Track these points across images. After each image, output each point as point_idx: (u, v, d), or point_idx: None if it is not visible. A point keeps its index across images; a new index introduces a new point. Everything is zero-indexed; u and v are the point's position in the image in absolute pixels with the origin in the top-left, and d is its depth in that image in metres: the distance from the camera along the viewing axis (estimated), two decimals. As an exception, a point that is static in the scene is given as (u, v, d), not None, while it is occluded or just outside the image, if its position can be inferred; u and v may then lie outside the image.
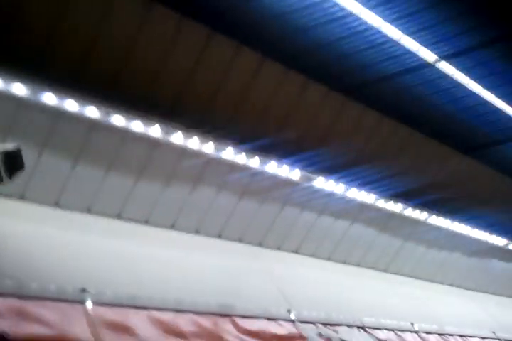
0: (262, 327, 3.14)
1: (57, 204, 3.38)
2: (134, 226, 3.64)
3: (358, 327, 3.77)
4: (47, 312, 2.34)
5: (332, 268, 4.82)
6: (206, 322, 2.89)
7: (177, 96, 3.81)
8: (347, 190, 4.87)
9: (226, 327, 2.95)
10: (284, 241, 4.65)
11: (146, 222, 3.78)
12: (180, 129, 3.74)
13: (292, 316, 3.44)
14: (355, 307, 4.08)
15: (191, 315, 2.88)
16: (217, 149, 4.00)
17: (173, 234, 3.86)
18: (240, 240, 4.37)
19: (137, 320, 2.58)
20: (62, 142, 3.32)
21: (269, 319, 3.27)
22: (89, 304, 2.50)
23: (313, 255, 4.83)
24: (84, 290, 2.57)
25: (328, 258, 4.96)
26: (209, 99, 3.93)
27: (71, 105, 3.29)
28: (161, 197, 3.84)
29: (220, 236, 4.24)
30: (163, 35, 3.51)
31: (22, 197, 3.25)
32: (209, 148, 3.95)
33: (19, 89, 3.10)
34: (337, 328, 3.58)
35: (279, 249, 4.62)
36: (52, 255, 2.81)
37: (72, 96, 3.26)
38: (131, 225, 3.63)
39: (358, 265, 5.19)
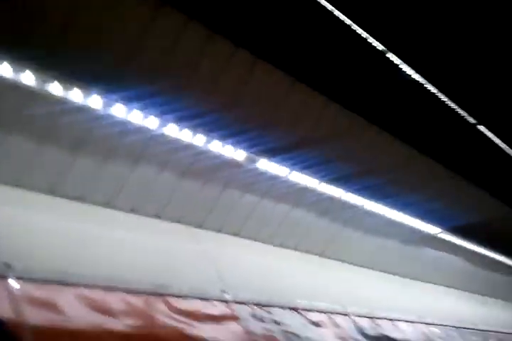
0: (195, 307, 3.12)
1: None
2: (68, 202, 3.50)
3: (291, 309, 3.81)
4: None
5: (270, 252, 4.85)
6: (138, 301, 2.83)
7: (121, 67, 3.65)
8: (290, 173, 4.89)
9: (158, 306, 2.90)
10: (224, 224, 4.63)
11: (81, 199, 3.65)
12: (121, 102, 3.60)
13: (226, 297, 3.43)
14: (289, 289, 4.13)
15: (122, 294, 2.81)
16: (160, 125, 3.89)
17: (109, 212, 3.75)
18: (180, 221, 4.31)
19: (65, 298, 2.49)
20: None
21: (202, 299, 3.25)
22: (12, 279, 2.38)
23: (252, 238, 4.84)
24: (7, 265, 2.45)
25: (268, 242, 4.98)
26: (152, 70, 3.77)
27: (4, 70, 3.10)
28: (98, 173, 3.71)
29: (158, 216, 4.16)
30: None
31: None
32: (152, 123, 3.84)
33: None
34: (270, 309, 3.61)
35: (219, 231, 4.59)
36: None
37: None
38: (65, 201, 3.49)
39: (295, 249, 5.25)
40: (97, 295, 2.67)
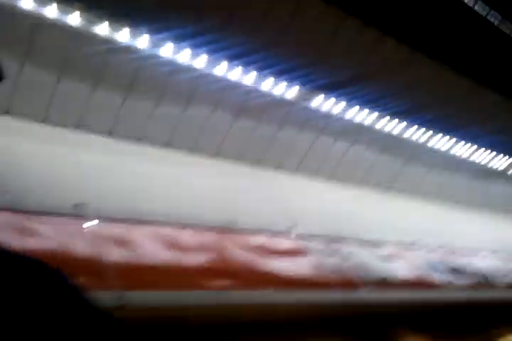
0: (265, 242, 3.07)
1: (45, 121, 3.19)
2: (127, 144, 3.47)
3: (362, 243, 3.73)
4: (46, 227, 2.24)
5: (333, 188, 4.74)
6: (209, 236, 2.81)
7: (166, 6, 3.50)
8: (346, 109, 4.69)
9: (229, 242, 2.87)
10: (283, 162, 4.53)
11: (139, 140, 3.61)
12: (170, 41, 3.47)
13: (295, 232, 3.37)
14: (358, 223, 4.03)
15: (193, 231, 2.79)
16: (210, 64, 3.75)
17: (168, 153, 3.71)
18: (239, 159, 4.23)
19: (139, 235, 2.49)
20: (45, 53, 3.07)
21: (272, 234, 3.20)
22: (89, 218, 2.39)
23: (313, 175, 4.73)
24: (84, 205, 2.45)
25: (329, 178, 4.87)
26: (197, 7, 3.60)
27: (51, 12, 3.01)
28: (154, 114, 3.65)
29: (217, 155, 4.09)
30: None
31: (7, 112, 3.05)
32: (201, 63, 3.71)
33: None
34: (340, 243, 3.53)
35: (278, 168, 4.50)
36: (48, 171, 2.67)
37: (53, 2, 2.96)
38: (127, 143, 3.46)
39: (361, 184, 5.11)
40: (171, 232, 2.66)
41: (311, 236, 3.43)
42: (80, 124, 3.30)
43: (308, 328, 2.67)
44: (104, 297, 1.86)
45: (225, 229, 2.97)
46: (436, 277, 3.80)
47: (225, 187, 3.58)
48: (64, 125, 3.19)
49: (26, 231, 2.15)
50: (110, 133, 3.43)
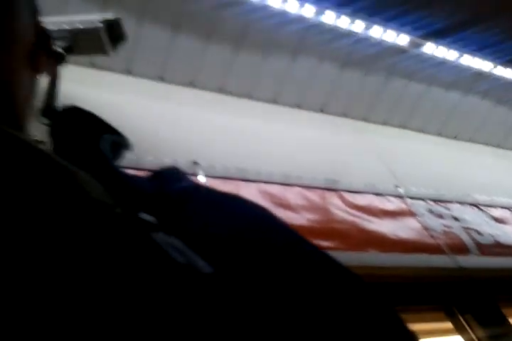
0: (369, 201, 3.05)
1: (161, 79, 3.32)
2: (237, 100, 3.52)
3: (471, 205, 3.59)
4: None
5: (442, 144, 4.54)
6: (314, 195, 2.84)
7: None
8: (460, 56, 4.37)
9: (333, 201, 2.88)
10: (390, 116, 4.38)
11: (249, 96, 3.65)
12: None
13: (401, 192, 3.31)
14: (468, 184, 3.86)
15: (299, 189, 2.84)
16: (317, 13, 3.63)
17: (274, 108, 3.72)
18: (344, 114, 4.16)
19: (248, 192, 2.58)
20: (160, 12, 3.12)
21: (377, 194, 3.17)
22: (201, 176, 2.51)
23: (421, 130, 4.55)
24: (196, 163, 2.57)
25: (439, 134, 4.66)
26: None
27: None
28: (260, 69, 3.64)
29: (322, 111, 4.04)
30: None
31: (129, 72, 3.21)
32: (309, 12, 3.60)
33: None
34: (448, 205, 3.43)
35: (385, 123, 4.37)
36: (163, 129, 2.80)
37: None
38: (235, 99, 3.52)
39: (471, 140, 4.85)
40: (277, 190, 2.72)
41: (419, 197, 3.36)
42: (193, 82, 3.40)
43: (413, 296, 2.68)
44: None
45: (330, 188, 2.98)
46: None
47: (330, 143, 3.57)
48: (178, 83, 3.30)
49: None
50: (220, 89, 3.50)
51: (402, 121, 4.45)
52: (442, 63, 4.35)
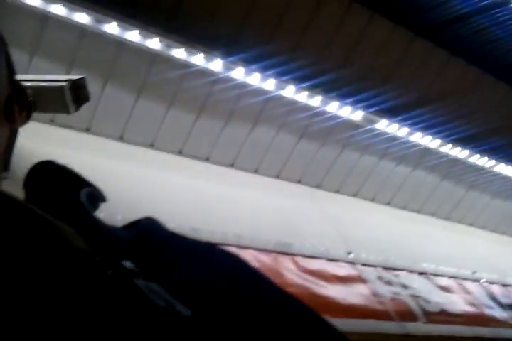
0: (322, 266, 3.11)
1: (121, 139, 3.41)
2: (195, 163, 3.62)
3: (420, 273, 3.68)
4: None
5: (392, 214, 4.71)
6: (267, 258, 2.88)
7: (238, 28, 3.64)
8: (410, 133, 4.66)
9: (286, 264, 2.92)
10: (343, 185, 4.55)
11: (207, 160, 3.76)
12: (241, 65, 3.60)
13: (352, 258, 3.39)
14: (416, 253, 3.99)
15: (252, 251, 2.87)
16: (277, 87, 3.86)
17: (233, 173, 3.83)
18: (299, 181, 4.30)
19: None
20: (126, 74, 3.27)
21: (328, 259, 3.23)
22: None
23: (372, 200, 4.73)
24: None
25: (388, 204, 4.84)
26: (270, 33, 3.73)
27: (133, 36, 3.22)
28: (221, 135, 3.79)
29: (278, 177, 4.18)
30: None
31: (88, 130, 3.28)
32: (269, 85, 3.82)
33: (82, 18, 3.04)
34: (397, 273, 3.51)
35: (337, 191, 4.53)
36: (121, 188, 2.83)
37: (134, 27, 3.17)
38: (193, 162, 3.62)
39: (419, 212, 5.05)
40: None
41: (369, 263, 3.44)
42: (153, 144, 3.50)
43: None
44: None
45: (283, 252, 3.03)
46: (495, 313, 3.69)
47: (285, 208, 3.66)
48: (138, 144, 3.39)
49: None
50: (179, 152, 3.60)
51: (355, 190, 4.63)
52: (393, 139, 4.63)
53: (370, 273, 3.31)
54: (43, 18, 2.90)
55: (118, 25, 3.14)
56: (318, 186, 4.41)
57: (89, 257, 0.49)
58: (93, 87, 3.04)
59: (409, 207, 5.00)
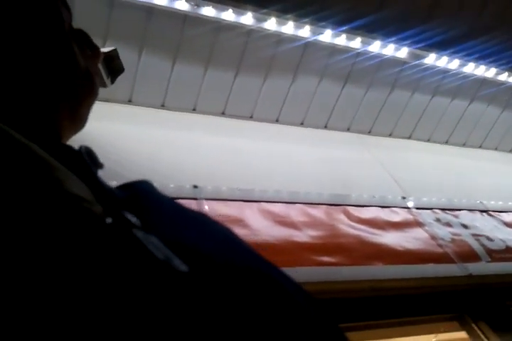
0: (375, 214, 3.07)
1: (163, 106, 3.45)
2: (238, 122, 3.62)
3: (481, 211, 3.57)
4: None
5: (450, 152, 4.54)
6: (318, 212, 2.88)
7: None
8: (463, 65, 4.39)
9: (338, 216, 2.92)
10: (395, 128, 4.41)
11: (250, 118, 3.75)
12: (274, 15, 3.48)
13: (407, 203, 3.33)
14: (477, 190, 3.85)
15: (302, 206, 2.88)
16: (313, 33, 3.71)
17: (278, 128, 3.81)
18: (348, 129, 4.21)
19: (249, 213, 2.63)
20: (160, 41, 3.26)
21: (382, 207, 3.19)
22: (201, 200, 2.58)
23: (428, 140, 4.57)
24: (196, 187, 2.65)
25: (446, 142, 4.66)
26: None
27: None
28: (261, 90, 3.74)
29: (326, 127, 4.11)
30: None
31: (130, 101, 3.35)
32: (306, 31, 3.68)
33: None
34: (457, 213, 3.42)
35: (390, 135, 4.40)
36: (166, 155, 2.91)
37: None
38: (235, 121, 3.62)
39: (480, 147, 4.84)
40: (279, 208, 2.77)
41: (426, 207, 3.37)
42: (195, 107, 3.52)
43: (424, 307, 2.68)
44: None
45: (334, 203, 3.02)
46: None
47: (335, 159, 3.62)
48: (180, 109, 3.43)
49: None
50: (221, 113, 3.61)
51: (408, 132, 4.47)
52: (445, 72, 4.39)
53: (427, 216, 3.25)
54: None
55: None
56: (369, 132, 4.31)
57: (85, 204, 0.45)
58: (129, 57, 3.08)
59: (468, 143, 4.79)
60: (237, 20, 3.41)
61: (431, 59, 4.22)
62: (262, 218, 2.64)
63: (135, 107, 3.33)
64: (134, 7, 3.06)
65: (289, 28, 3.62)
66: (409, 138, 4.51)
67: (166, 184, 2.56)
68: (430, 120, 4.50)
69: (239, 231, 2.50)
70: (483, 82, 4.54)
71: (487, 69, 4.48)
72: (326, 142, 3.88)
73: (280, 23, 3.57)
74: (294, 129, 3.91)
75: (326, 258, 2.55)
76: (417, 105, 4.40)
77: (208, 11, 3.32)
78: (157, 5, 3.12)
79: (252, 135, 3.56)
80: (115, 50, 2.95)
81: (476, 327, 2.72)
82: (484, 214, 3.55)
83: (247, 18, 3.45)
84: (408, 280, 2.65)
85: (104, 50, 2.87)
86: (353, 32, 3.83)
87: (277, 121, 3.90)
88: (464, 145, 4.77)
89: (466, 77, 4.44)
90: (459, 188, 3.81)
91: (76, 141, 0.73)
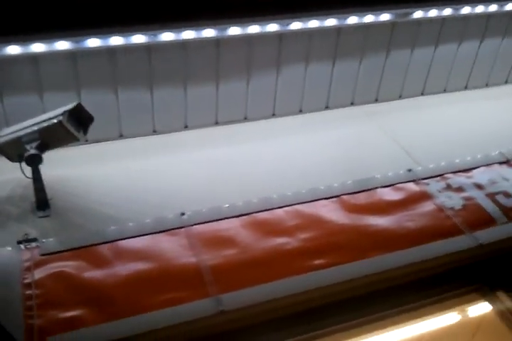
0: (374, 198, 3.00)
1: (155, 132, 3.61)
2: (235, 126, 3.72)
3: (500, 163, 3.34)
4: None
5: (470, 97, 4.29)
6: (311, 210, 2.85)
7: None
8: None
9: (333, 209, 2.87)
10: (403, 88, 4.21)
11: (245, 119, 3.81)
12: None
13: (414, 174, 3.21)
14: (496, 138, 3.62)
15: (294, 208, 2.86)
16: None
17: (276, 121, 3.85)
18: (352, 103, 4.11)
19: (237, 229, 2.70)
20: (130, 75, 3.34)
21: (385, 186, 3.11)
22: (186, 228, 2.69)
23: (444, 90, 4.33)
24: (183, 214, 2.78)
25: (465, 88, 4.40)
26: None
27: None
28: (249, 90, 3.73)
29: (327, 108, 4.04)
30: None
31: (121, 136, 3.54)
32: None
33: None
34: (471, 173, 3.23)
35: (400, 97, 4.24)
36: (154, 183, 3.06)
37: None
38: (231, 127, 3.73)
39: (505, 82, 4.48)
40: (267, 217, 2.80)
41: (435, 174, 3.23)
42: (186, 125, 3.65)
43: (439, 284, 2.65)
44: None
45: (328, 197, 3.00)
46: None
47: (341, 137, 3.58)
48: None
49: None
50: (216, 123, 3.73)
51: (418, 88, 4.25)
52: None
53: (436, 185, 3.12)
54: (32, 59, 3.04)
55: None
56: (376, 100, 4.17)
57: None
58: (106, 98, 3.23)
59: (490, 82, 4.44)
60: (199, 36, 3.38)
61: (419, 14, 3.92)
62: (251, 232, 2.70)
63: (127, 140, 3.50)
64: (95, 53, 3.15)
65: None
66: (422, 94, 4.28)
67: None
68: (441, 70, 4.23)
69: (228, 252, 2.59)
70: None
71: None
72: (329, 123, 3.84)
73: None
74: (292, 119, 3.89)
75: (320, 261, 2.56)
76: (422, 59, 4.14)
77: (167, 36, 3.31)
78: (117, 45, 3.17)
79: (246, 138, 3.61)
80: (79, 103, 3.06)
81: (496, 295, 2.64)
82: (504, 165, 3.32)
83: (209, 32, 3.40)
84: (420, 264, 2.59)
85: (69, 107, 2.99)
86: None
87: (274, 115, 3.89)
88: (486, 85, 4.43)
89: (466, 18, 4.08)
90: (476, 142, 3.60)
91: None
